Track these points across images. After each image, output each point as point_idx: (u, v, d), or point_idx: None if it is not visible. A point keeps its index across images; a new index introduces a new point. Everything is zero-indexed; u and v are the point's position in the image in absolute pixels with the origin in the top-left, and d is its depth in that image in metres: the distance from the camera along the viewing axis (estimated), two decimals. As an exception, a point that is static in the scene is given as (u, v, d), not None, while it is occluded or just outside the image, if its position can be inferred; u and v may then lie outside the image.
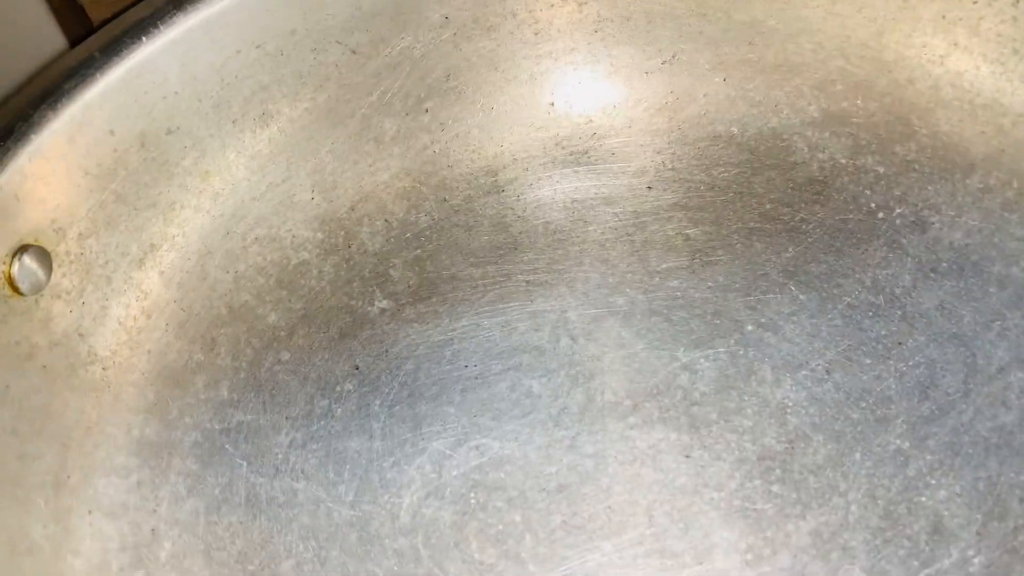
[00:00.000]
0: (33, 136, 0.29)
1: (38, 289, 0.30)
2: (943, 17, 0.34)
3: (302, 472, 0.34)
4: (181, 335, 0.35)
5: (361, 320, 0.37)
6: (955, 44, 0.34)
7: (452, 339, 0.37)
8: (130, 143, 0.33)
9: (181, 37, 0.33)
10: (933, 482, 0.31)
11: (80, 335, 0.32)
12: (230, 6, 0.33)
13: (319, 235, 0.38)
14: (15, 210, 0.29)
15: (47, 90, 0.30)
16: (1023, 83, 0.34)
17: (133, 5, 0.34)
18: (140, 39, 0.31)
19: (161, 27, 0.32)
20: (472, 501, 0.33)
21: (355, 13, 0.37)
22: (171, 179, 0.35)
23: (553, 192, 0.40)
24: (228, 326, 0.36)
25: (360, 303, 0.38)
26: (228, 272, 0.36)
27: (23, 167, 0.29)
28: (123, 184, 0.33)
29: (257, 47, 0.35)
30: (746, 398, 0.35)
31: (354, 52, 0.38)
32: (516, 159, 0.41)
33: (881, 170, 0.37)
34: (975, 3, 0.33)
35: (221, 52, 0.34)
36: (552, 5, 0.39)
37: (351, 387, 0.36)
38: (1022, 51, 0.33)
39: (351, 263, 0.38)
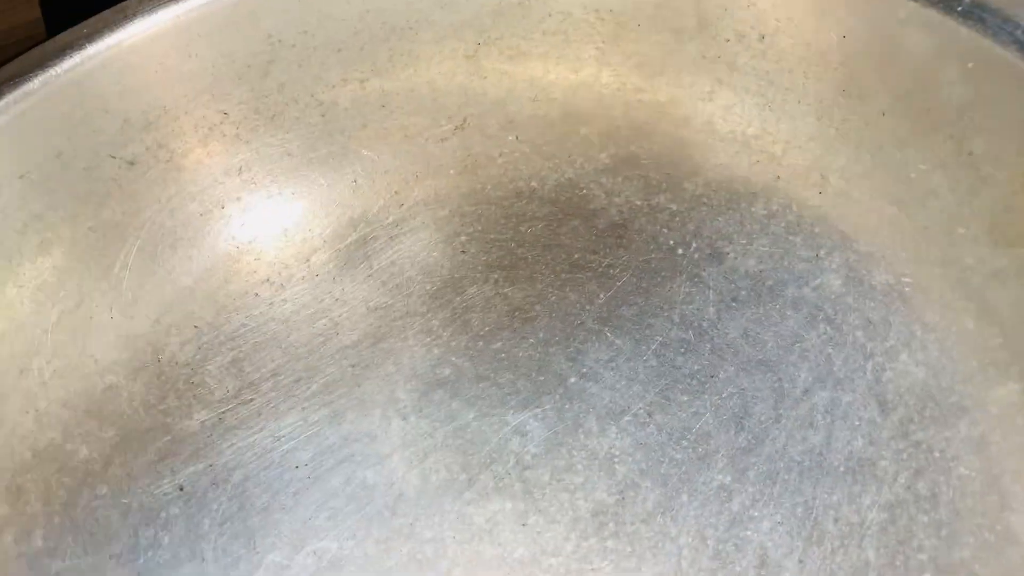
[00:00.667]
0: None
1: None
2: (703, 56, 0.35)
3: (132, 612, 0.32)
4: (-19, 490, 0.33)
5: (181, 437, 0.36)
6: (719, 80, 0.35)
7: (280, 440, 0.36)
8: None
9: (-73, 184, 0.31)
10: (756, 514, 0.32)
11: None
12: (-20, 142, 0.32)
13: (124, 355, 0.37)
14: None
15: None
16: (784, 111, 0.35)
17: None
18: None
19: (-100, 178, 0.30)
20: (313, 611, 0.32)
21: (123, 125, 0.35)
22: (-55, 329, 0.33)
23: (369, 268, 0.40)
24: (34, 470, 0.34)
25: (177, 419, 0.36)
26: (28, 413, 0.35)
27: None
28: None
29: (20, 178, 0.34)
30: (575, 453, 0.35)
31: (132, 163, 0.36)
32: (326, 241, 0.40)
33: (674, 207, 0.38)
34: (728, 41, 0.34)
35: (-21, 190, 0.33)
36: (334, 86, 0.39)
37: (177, 511, 0.34)
38: (777, 82, 0.35)
39: (163, 378, 0.37)
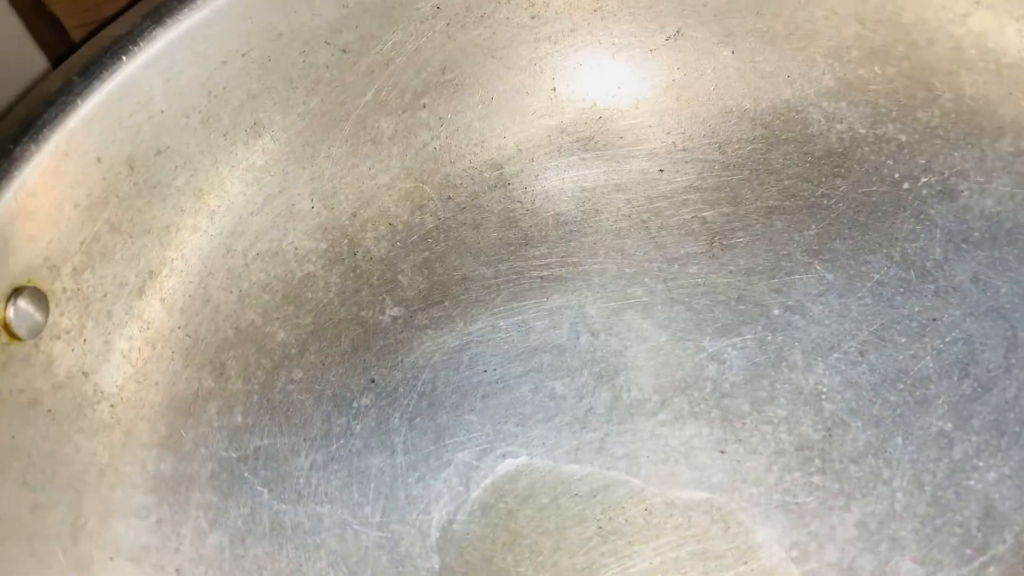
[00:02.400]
0: (17, 172, 0.27)
1: (37, 332, 0.28)
2: (963, -27, 0.32)
3: (326, 495, 0.33)
4: (188, 363, 0.34)
5: (373, 331, 0.36)
6: (977, 2, 0.33)
7: (468, 343, 0.36)
8: (119, 168, 0.31)
9: (162, 52, 0.31)
10: (981, 464, 0.30)
11: (84, 374, 0.30)
12: (211, 15, 0.32)
13: (323, 245, 0.37)
14: (5, 252, 0.27)
15: (27, 121, 0.28)
16: (1051, 39, 0.32)
17: (113, 19, 0.32)
18: (120, 58, 0.30)
19: (141, 44, 0.30)
20: (503, 512, 0.32)
21: (342, 11, 0.35)
22: (165, 201, 0.33)
23: (561, 182, 0.39)
24: (236, 348, 0.35)
25: (371, 313, 0.36)
26: (232, 292, 0.35)
27: (9, 205, 0.27)
28: (116, 212, 0.31)
29: (243, 55, 0.33)
30: (778, 386, 0.33)
31: (344, 51, 0.36)
32: (520, 150, 0.39)
33: (903, 138, 0.35)
34: (996, -43, 0.31)
35: (205, 64, 0.32)
36: (548, -15, 0.37)
37: (368, 402, 0.35)
38: (1049, 5, 0.32)
39: (358, 272, 0.37)
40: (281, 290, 0.36)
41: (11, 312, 0.27)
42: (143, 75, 0.31)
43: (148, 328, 0.33)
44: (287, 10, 0.34)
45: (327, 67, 0.36)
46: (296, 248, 0.36)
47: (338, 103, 0.37)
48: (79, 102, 0.29)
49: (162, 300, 0.33)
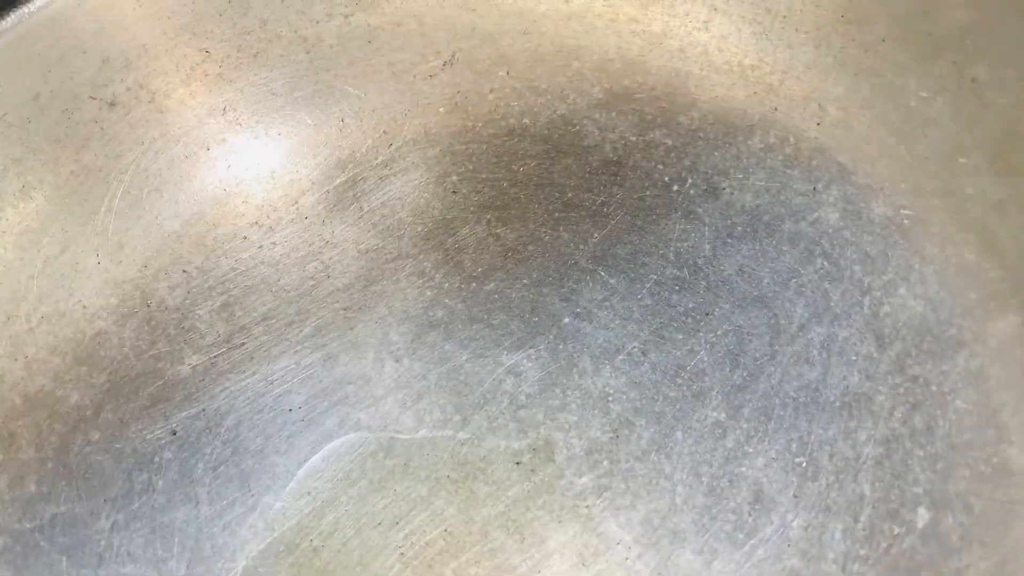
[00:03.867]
0: None
1: None
2: (698, -16, 0.34)
3: (128, 555, 0.32)
4: (-28, 437, 0.33)
5: (173, 382, 0.36)
6: (714, 9, 0.34)
7: (273, 384, 0.36)
8: None
9: (-99, 127, 0.30)
10: (751, 450, 0.32)
11: None
12: (-46, 83, 0.31)
13: (113, 300, 0.36)
14: None
15: None
16: (781, 40, 0.34)
17: None
18: None
19: None
20: (308, 551, 0.33)
21: (103, 65, 0.34)
22: (-73, 276, 0.32)
23: (359, 210, 0.39)
24: (26, 416, 0.34)
25: (168, 364, 0.36)
26: (17, 360, 0.34)
27: None
28: None
29: (-3, 120, 0.33)
30: (569, 392, 0.35)
31: (112, 104, 0.35)
32: (314, 182, 0.39)
33: (670, 142, 0.37)
34: (723, -32, 0.33)
35: (-45, 133, 0.32)
36: (318, 22, 0.38)
37: (171, 455, 0.34)
38: (774, 9, 0.34)
39: (153, 323, 0.36)
40: (71, 351, 0.35)
41: None
42: None
43: (-78, 408, 0.32)
44: (41, 70, 0.33)
45: (96, 122, 0.35)
46: (84, 306, 0.36)
47: (114, 156, 0.36)
48: None
49: (-65, 377, 0.32)
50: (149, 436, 0.35)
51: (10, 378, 0.34)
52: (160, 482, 0.34)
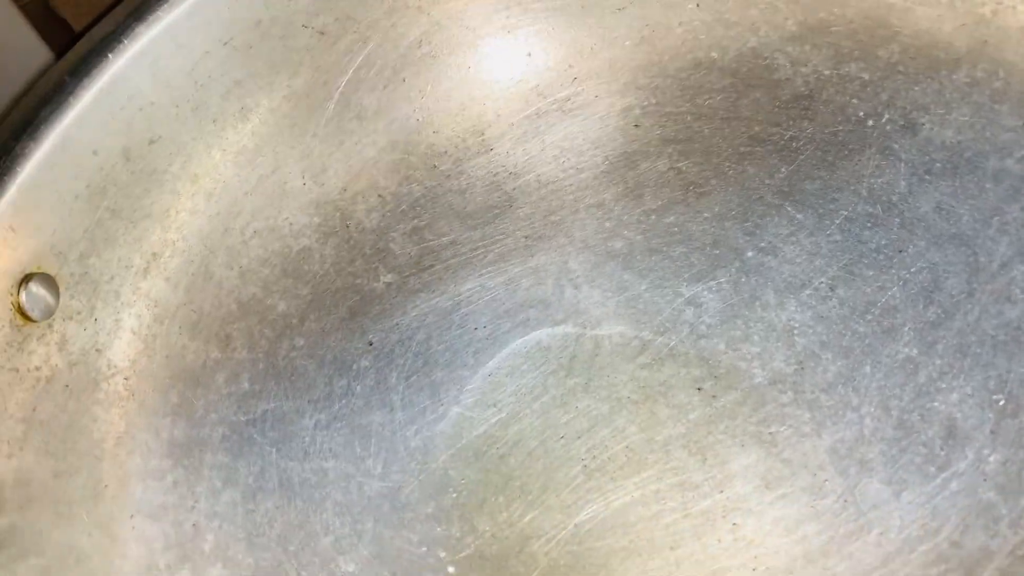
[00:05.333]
0: (18, 168, 0.30)
1: (50, 313, 0.31)
2: (909, -90, 0.33)
3: (330, 451, 0.35)
4: (195, 336, 0.36)
5: (369, 297, 0.38)
6: (925, -64, 0.33)
7: (459, 304, 0.38)
8: (115, 159, 0.33)
9: (147, 48, 0.33)
10: (944, 386, 0.31)
11: (98, 351, 0.33)
12: (191, 8, 0.34)
13: (316, 220, 0.39)
14: (14, 242, 0.30)
15: (25, 121, 0.30)
16: (998, -32, 0.33)
17: (104, 15, 0.34)
18: (106, 56, 0.32)
19: (125, 41, 0.32)
20: (495, 457, 0.34)
21: (317, -5, 0.36)
22: (162, 187, 0.35)
23: (541, 143, 0.40)
24: (240, 321, 0.37)
25: (365, 280, 0.38)
26: (232, 268, 0.37)
27: (13, 199, 0.30)
28: (115, 199, 0.33)
29: (224, 44, 0.35)
30: (752, 324, 0.35)
31: (322, 33, 0.38)
32: (500, 115, 0.41)
33: (866, 76, 0.36)
34: None
35: (190, 55, 0.34)
36: (512, -45, 0.39)
37: (367, 363, 0.37)
38: (993, -65, 0.32)
39: (351, 243, 0.39)
40: (279, 264, 0.38)
41: (24, 296, 0.30)
42: (130, 70, 0.33)
43: (155, 306, 0.35)
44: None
45: (307, 50, 0.38)
46: (291, 224, 0.39)
47: (321, 83, 0.38)
48: (71, 100, 0.31)
49: (167, 279, 0.36)
50: (348, 345, 0.37)
51: (227, 285, 0.37)
52: (358, 387, 0.36)
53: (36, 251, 0.31)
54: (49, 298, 0.31)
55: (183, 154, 0.36)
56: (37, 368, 0.31)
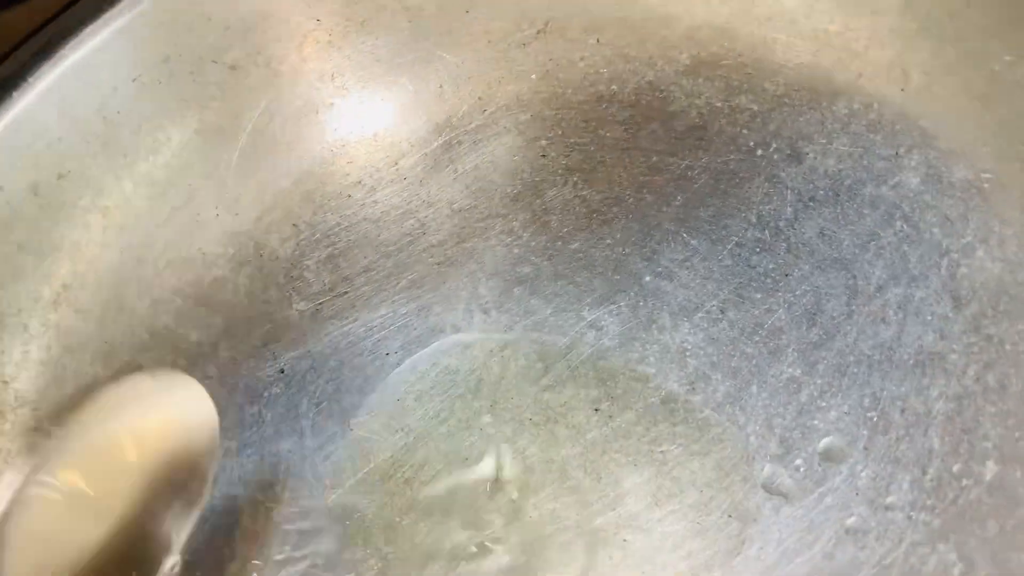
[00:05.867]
0: (-81, 206, 0.30)
1: (-47, 348, 0.31)
2: (786, -48, 0.35)
3: (239, 479, 0.36)
4: (107, 366, 0.36)
5: (282, 325, 0.39)
6: (802, -23, 0.35)
7: (371, 330, 0.39)
8: (23, 194, 0.34)
9: (53, 85, 0.34)
10: (824, 404, 0.33)
11: (4, 383, 0.33)
12: (97, 46, 0.35)
13: (230, 250, 0.40)
14: (-86, 278, 0.30)
15: (-74, 159, 0.31)
16: (866, 6, 0.34)
17: (6, 57, 0.35)
18: (11, 95, 0.33)
19: (30, 80, 0.33)
20: (400, 481, 0.35)
21: (225, 32, 0.37)
22: (72, 220, 0.36)
23: (454, 172, 0.41)
24: (152, 351, 0.38)
25: (279, 309, 0.39)
26: (144, 299, 0.38)
27: (-85, 237, 0.30)
28: (23, 234, 0.34)
29: (133, 80, 0.36)
30: (648, 346, 0.36)
31: (233, 68, 0.39)
32: (413, 145, 0.42)
33: (755, 108, 0.38)
34: (812, -65, 0.34)
35: (98, 92, 0.35)
36: (419, -8, 0.40)
37: (278, 391, 0.38)
38: (862, -24, 0.34)
39: (264, 272, 0.40)
40: (192, 294, 0.39)
41: (-74, 332, 0.30)
42: (37, 109, 0.34)
43: (66, 336, 0.36)
44: (171, 35, 0.37)
45: (217, 85, 0.39)
46: (204, 254, 0.39)
47: (232, 116, 0.39)
48: (-26, 138, 0.32)
49: (77, 311, 0.36)
50: (260, 373, 0.38)
51: (139, 315, 0.38)
52: (268, 415, 0.37)
53: (-62, 287, 0.31)
54: (-48, 332, 0.31)
55: (93, 187, 0.36)
56: (-61, 402, 0.31)
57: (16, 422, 0.34)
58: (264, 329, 0.39)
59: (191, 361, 0.38)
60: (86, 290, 0.37)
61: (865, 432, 0.32)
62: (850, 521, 0.30)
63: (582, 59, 0.41)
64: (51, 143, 0.35)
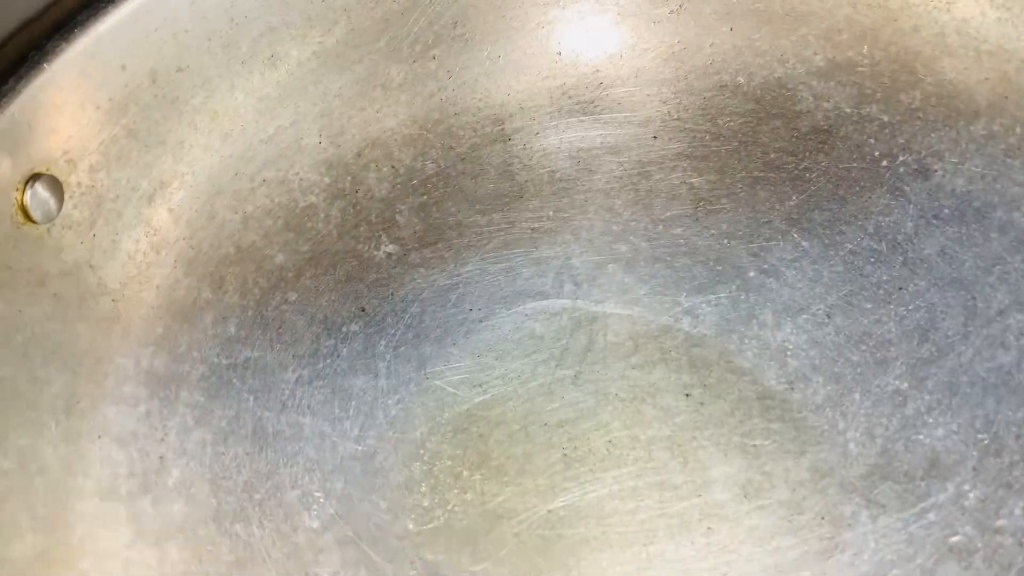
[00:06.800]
0: (46, 66, 0.29)
1: (50, 218, 0.30)
2: (949, -37, 0.34)
3: (308, 408, 0.34)
4: (190, 272, 0.35)
5: (367, 264, 0.38)
6: (961, -10, 0.35)
7: (457, 283, 0.38)
8: (141, 79, 0.33)
9: (191, -26, 0.33)
10: (931, 420, 0.32)
11: (91, 266, 0.32)
12: (240, -55, 0.34)
13: (326, 179, 0.39)
14: (28, 138, 0.29)
15: (60, 20, 0.30)
16: (1028, 28, 0.34)
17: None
18: (149, -25, 0.32)
19: (170, -37, 0.32)
20: (475, 435, 0.34)
21: (362, -43, 0.37)
22: (181, 117, 0.35)
23: (559, 141, 0.40)
24: (236, 265, 0.36)
25: (366, 247, 0.38)
26: (236, 212, 0.37)
27: (36, 96, 0.29)
28: (134, 120, 0.33)
29: (266, -13, 0.35)
30: (747, 341, 0.35)
31: (362, -3, 0.38)
32: (523, 108, 0.41)
33: (885, 118, 0.37)
34: (980, -53, 0.33)
35: (231, -9, 0.34)
36: (558, -48, 0.40)
37: (357, 328, 0.36)
38: (1028, -4, 0.34)
39: (358, 208, 0.39)
40: (283, 217, 0.38)
41: (28, 196, 0.29)
42: (171, -6, 0.33)
43: (154, 234, 0.35)
44: (311, -50, 0.36)
45: (345, 10, 0.38)
46: (301, 179, 0.38)
47: (352, 46, 0.39)
48: (110, 9, 0.31)
49: (170, 210, 0.35)
50: (340, 308, 0.37)
51: (228, 227, 0.37)
52: (344, 350, 0.36)
53: (48, 153, 0.30)
54: (52, 202, 0.30)
55: (207, 88, 0.36)
56: (29, 270, 0.30)
57: (96, 309, 0.32)
58: (350, 265, 0.38)
59: (272, 283, 0.37)
60: (183, 191, 0.36)
61: (975, 453, 0.30)
62: (954, 540, 0.29)
63: (711, 45, 0.40)
64: (177, 33, 0.34)
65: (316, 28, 0.37)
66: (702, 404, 0.34)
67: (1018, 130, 0.34)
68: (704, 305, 0.36)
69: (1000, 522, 0.29)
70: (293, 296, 0.37)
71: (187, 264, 0.35)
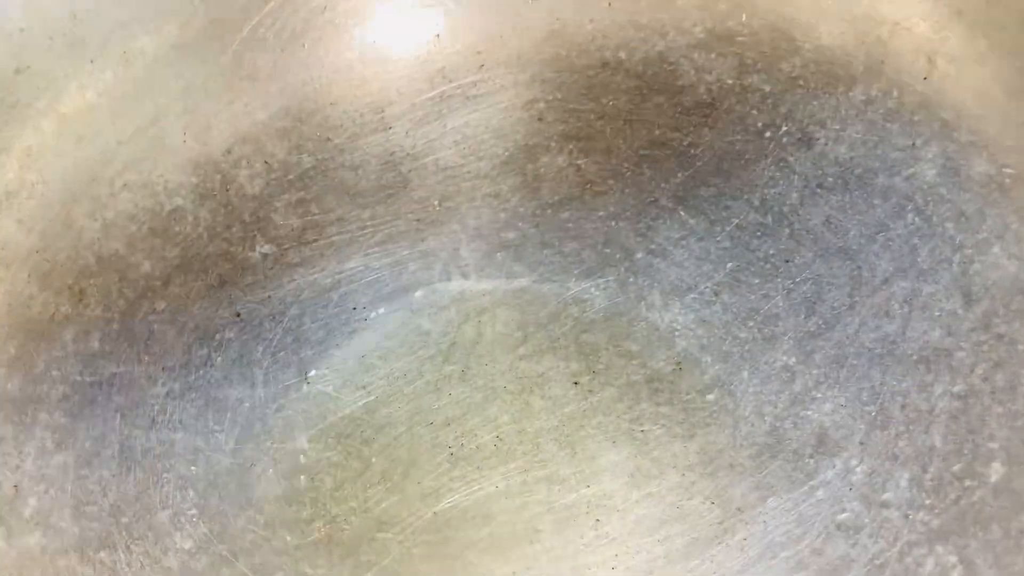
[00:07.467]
0: None
1: None
2: (819, -74, 0.33)
3: (180, 423, 0.33)
4: (45, 286, 0.33)
5: (242, 266, 0.36)
6: (832, -46, 0.34)
7: (339, 282, 0.36)
8: (-28, 83, 0.31)
9: (21, -32, 0.31)
10: (819, 395, 0.31)
11: (-73, 287, 0.30)
12: (75, -65, 0.32)
13: (193, 180, 0.37)
14: None
15: None
16: (898, -10, 0.33)
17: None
18: (-28, -31, 0.29)
19: (-4, -44, 0.30)
20: (358, 441, 0.32)
21: (216, -57, 0.35)
22: (24, 122, 0.33)
23: (443, 127, 0.39)
24: (97, 276, 0.34)
25: (240, 249, 0.36)
26: (96, 220, 0.35)
27: None
28: (-33, 127, 0.31)
29: (110, -20, 0.33)
30: (635, 324, 0.34)
31: (220, -15, 0.36)
32: (402, 94, 0.39)
33: (767, 88, 0.36)
34: (848, -91, 0.32)
35: (69, -15, 0.32)
36: (428, -69, 0.38)
37: (232, 335, 0.35)
38: (896, -43, 0.33)
39: (229, 208, 0.37)
40: (148, 222, 0.36)
41: None
42: (-1, -10, 0.31)
43: (2, 248, 0.32)
44: (157, -62, 0.34)
45: (202, 1, 0.36)
46: (166, 181, 0.36)
47: (214, 37, 0.37)
48: (-75, 8, 0.29)
49: (19, 222, 0.33)
50: (213, 315, 0.35)
51: (87, 236, 0.35)
52: (219, 359, 0.34)
53: None
54: None
55: (52, 90, 0.33)
56: None
57: (-65, 332, 0.30)
58: (223, 269, 0.36)
59: (139, 293, 0.35)
60: (33, 200, 0.33)
61: (862, 426, 0.30)
62: (842, 517, 0.28)
63: (591, 22, 0.39)
64: (12, 33, 0.32)
65: (172, 21, 0.35)
66: (590, 392, 0.33)
67: (895, 94, 0.34)
68: (593, 289, 0.35)
69: (886, 495, 0.28)
70: (162, 305, 0.35)
71: (42, 278, 0.33)
